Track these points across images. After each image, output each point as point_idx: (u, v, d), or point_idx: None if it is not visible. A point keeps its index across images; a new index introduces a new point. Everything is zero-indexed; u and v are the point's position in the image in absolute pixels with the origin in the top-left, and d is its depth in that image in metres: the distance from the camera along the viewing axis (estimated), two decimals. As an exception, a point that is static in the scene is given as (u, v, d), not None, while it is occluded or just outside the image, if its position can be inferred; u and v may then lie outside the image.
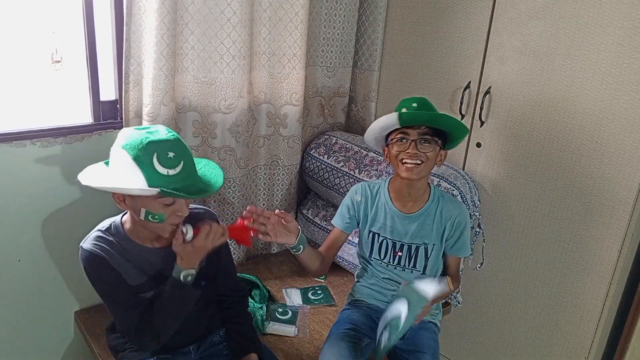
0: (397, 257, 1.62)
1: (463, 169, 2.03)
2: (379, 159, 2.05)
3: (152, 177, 1.19)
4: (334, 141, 2.23)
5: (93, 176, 1.31)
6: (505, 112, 1.88)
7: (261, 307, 1.85)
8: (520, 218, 1.92)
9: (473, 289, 2.11)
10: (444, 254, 1.64)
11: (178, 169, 1.22)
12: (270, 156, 2.19)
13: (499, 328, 2.08)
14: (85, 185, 1.80)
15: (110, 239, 1.33)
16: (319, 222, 2.25)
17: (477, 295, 2.10)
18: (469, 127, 1.98)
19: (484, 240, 1.97)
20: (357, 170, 2.07)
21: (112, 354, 1.52)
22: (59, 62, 2.07)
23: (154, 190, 1.19)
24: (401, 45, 2.18)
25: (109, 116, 1.84)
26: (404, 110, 1.47)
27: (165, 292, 1.31)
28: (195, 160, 1.31)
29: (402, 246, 1.60)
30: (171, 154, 1.21)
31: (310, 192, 2.39)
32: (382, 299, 1.67)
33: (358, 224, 1.66)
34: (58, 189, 1.75)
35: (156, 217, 1.25)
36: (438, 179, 1.88)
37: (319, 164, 2.20)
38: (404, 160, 1.47)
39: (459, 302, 1.99)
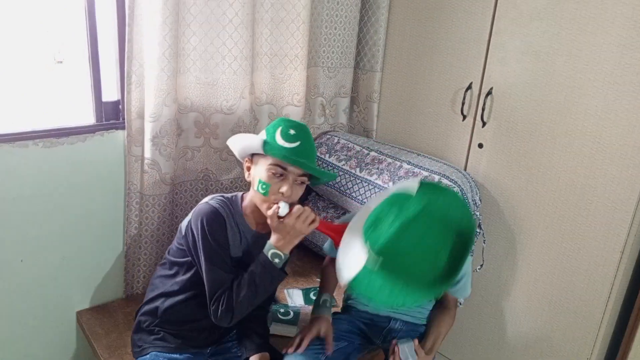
0: None
1: (465, 169, 2.03)
2: (380, 157, 2.05)
3: (272, 144, 1.34)
4: (335, 140, 2.23)
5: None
6: (507, 113, 1.88)
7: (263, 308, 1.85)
8: (521, 219, 1.92)
9: (474, 290, 2.10)
10: None
11: (294, 144, 1.35)
12: (272, 157, 2.19)
13: (500, 329, 2.08)
14: (87, 186, 1.81)
15: (227, 206, 1.43)
16: (320, 222, 2.25)
17: (478, 295, 2.10)
18: (470, 128, 1.98)
19: (484, 241, 1.97)
20: (358, 169, 2.07)
21: (132, 346, 1.53)
22: (61, 62, 2.07)
23: (259, 142, 1.34)
24: (403, 46, 2.19)
25: (111, 117, 1.84)
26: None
27: (250, 266, 1.36)
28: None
29: None
30: (292, 131, 1.36)
31: (310, 193, 2.39)
32: (373, 305, 1.67)
33: None
34: (60, 190, 1.76)
35: (263, 186, 1.35)
36: (439, 177, 1.88)
37: (320, 162, 2.20)
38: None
39: (460, 303, 1.99)
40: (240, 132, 1.98)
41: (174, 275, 1.47)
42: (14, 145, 1.63)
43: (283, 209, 1.34)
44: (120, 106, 1.84)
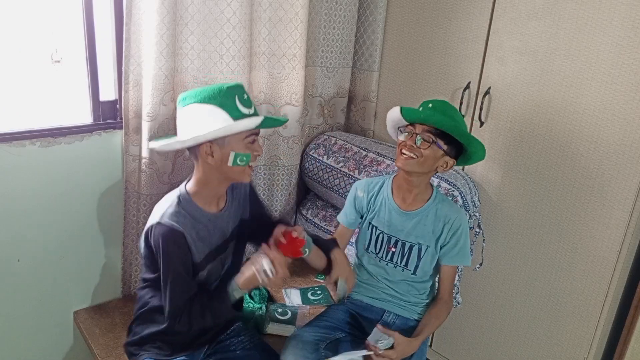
0: (390, 253, 1.64)
1: (463, 169, 2.03)
2: (379, 159, 2.05)
3: (238, 116, 1.32)
4: (333, 142, 2.23)
5: (181, 137, 1.36)
6: (505, 113, 1.88)
7: (261, 308, 1.85)
8: (519, 218, 1.92)
9: (472, 289, 2.11)
10: (439, 264, 1.64)
11: (253, 108, 1.37)
12: (270, 156, 2.19)
13: (498, 328, 2.08)
14: (84, 186, 1.80)
15: (183, 212, 1.38)
16: (318, 222, 2.25)
17: (477, 295, 2.10)
18: (468, 127, 1.98)
19: (483, 240, 1.97)
20: (357, 171, 2.07)
21: (127, 354, 1.53)
22: (58, 62, 2.07)
23: (258, 120, 1.32)
24: (401, 45, 2.19)
25: (109, 116, 1.84)
26: (419, 109, 1.52)
27: (212, 292, 1.39)
28: None
29: (396, 242, 1.63)
30: (245, 96, 1.35)
31: (309, 193, 2.39)
32: (369, 294, 1.70)
33: (362, 217, 1.71)
34: (57, 189, 1.75)
35: (244, 158, 1.35)
36: (438, 180, 1.88)
37: (318, 164, 2.20)
38: (402, 151, 1.52)
39: (458, 303, 1.99)
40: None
41: (153, 289, 1.46)
42: (11, 145, 1.62)
43: (268, 270, 1.33)
44: (117, 105, 1.84)
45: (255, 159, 1.40)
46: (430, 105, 1.51)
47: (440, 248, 1.61)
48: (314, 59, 2.23)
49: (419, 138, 1.48)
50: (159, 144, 1.43)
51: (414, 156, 1.50)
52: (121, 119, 1.80)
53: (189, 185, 1.42)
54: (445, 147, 1.50)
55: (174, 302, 1.36)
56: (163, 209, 1.37)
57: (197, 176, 1.41)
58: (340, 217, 1.74)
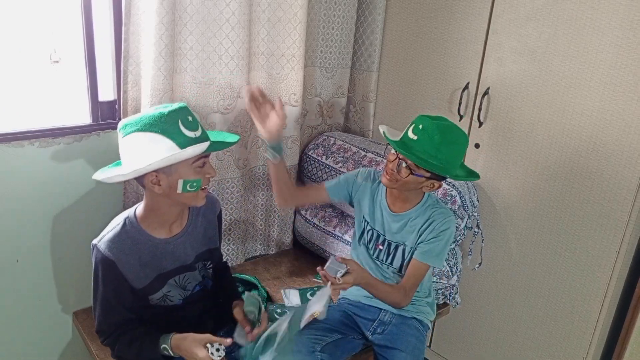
0: (377, 250, 1.65)
1: (461, 169, 2.03)
2: (378, 159, 2.05)
3: (183, 142, 1.25)
4: (332, 142, 2.23)
5: (122, 169, 1.30)
6: (504, 113, 1.88)
7: (259, 308, 1.84)
8: (518, 218, 1.92)
9: (471, 290, 2.11)
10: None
11: (199, 130, 1.29)
12: (268, 157, 2.19)
13: (497, 328, 2.08)
14: (83, 186, 1.80)
15: (125, 237, 1.34)
16: (317, 222, 2.25)
17: (475, 295, 2.11)
18: (467, 128, 1.98)
19: (482, 240, 1.97)
20: (355, 171, 2.07)
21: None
22: (57, 62, 2.07)
23: (204, 146, 1.25)
24: (400, 46, 2.19)
25: (108, 116, 1.84)
26: (411, 127, 1.47)
27: (141, 338, 1.35)
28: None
29: (384, 240, 1.64)
30: (190, 118, 1.28)
31: (308, 193, 2.39)
32: (366, 294, 1.67)
33: (348, 200, 1.70)
34: (56, 189, 1.75)
35: (194, 184, 1.30)
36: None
37: (317, 164, 2.20)
38: (385, 170, 1.52)
39: (457, 303, 1.99)
40: (236, 131, 1.98)
41: None
42: (10, 145, 1.62)
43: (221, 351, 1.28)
44: (116, 106, 1.84)
45: (208, 182, 1.35)
46: (420, 126, 1.44)
47: (418, 244, 1.58)
48: (313, 59, 2.23)
49: (403, 163, 1.45)
50: (102, 175, 1.33)
51: (394, 179, 1.49)
52: (120, 119, 1.80)
53: (138, 210, 1.38)
54: (427, 174, 1.46)
55: (99, 323, 1.38)
56: (107, 230, 1.35)
57: (145, 202, 1.37)
58: (329, 181, 1.72)
